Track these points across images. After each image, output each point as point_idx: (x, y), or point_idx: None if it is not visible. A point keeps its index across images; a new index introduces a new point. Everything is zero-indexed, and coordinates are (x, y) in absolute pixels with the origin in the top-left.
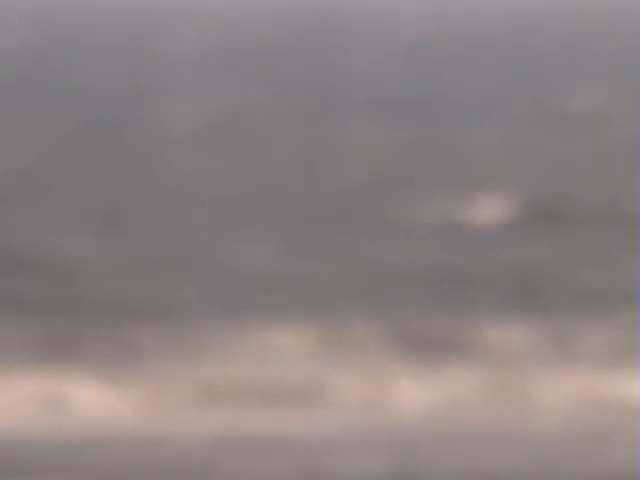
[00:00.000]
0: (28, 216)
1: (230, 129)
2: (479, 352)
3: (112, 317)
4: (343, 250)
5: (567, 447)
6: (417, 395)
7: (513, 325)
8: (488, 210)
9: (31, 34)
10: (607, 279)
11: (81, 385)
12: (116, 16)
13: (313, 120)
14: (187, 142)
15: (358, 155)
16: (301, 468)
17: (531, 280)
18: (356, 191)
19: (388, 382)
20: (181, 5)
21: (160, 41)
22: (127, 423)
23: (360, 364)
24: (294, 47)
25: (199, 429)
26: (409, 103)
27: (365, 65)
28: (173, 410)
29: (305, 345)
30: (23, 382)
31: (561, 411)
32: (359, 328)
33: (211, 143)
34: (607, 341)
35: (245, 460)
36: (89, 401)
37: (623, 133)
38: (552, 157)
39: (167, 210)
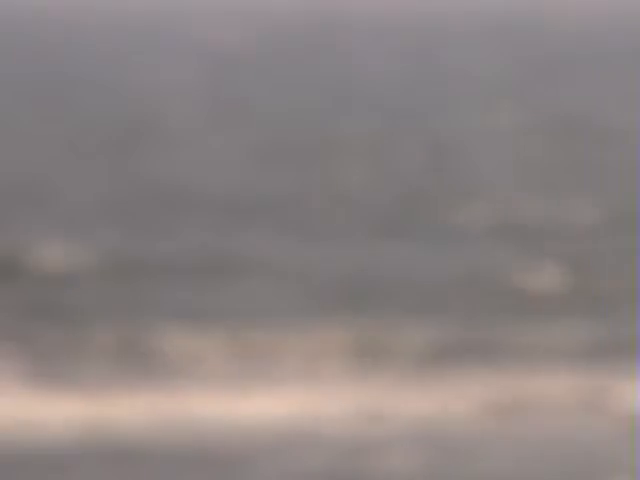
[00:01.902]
0: (32, 219)
1: (233, 127)
2: (512, 356)
3: (120, 320)
4: (356, 253)
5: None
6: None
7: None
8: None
9: (35, 34)
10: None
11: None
12: (117, 18)
13: (314, 120)
14: (190, 141)
15: (359, 154)
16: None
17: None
18: (362, 191)
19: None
20: (183, 7)
21: (163, 42)
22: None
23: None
24: (295, 48)
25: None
26: (409, 102)
27: (365, 65)
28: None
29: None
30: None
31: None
32: (397, 332)
33: (212, 141)
34: None
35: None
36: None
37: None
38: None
39: (175, 209)
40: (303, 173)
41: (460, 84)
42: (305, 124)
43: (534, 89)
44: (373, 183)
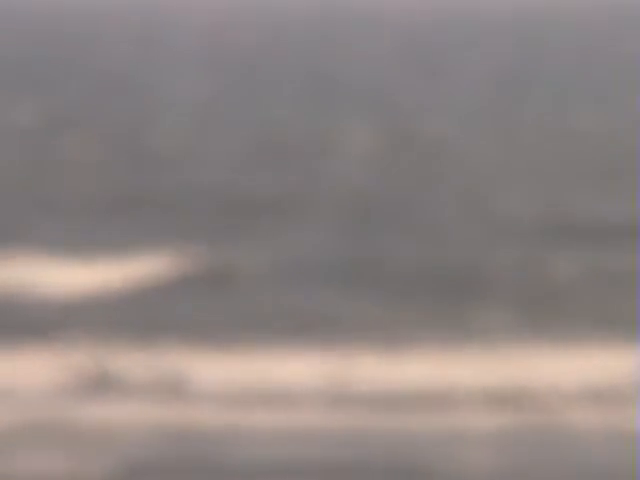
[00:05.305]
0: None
1: (232, 122)
2: None
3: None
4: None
5: None
6: None
7: None
8: None
9: (47, 30)
10: None
11: None
12: (119, 16)
13: (314, 112)
14: (190, 139)
15: (360, 149)
16: None
17: None
18: (362, 185)
19: None
20: (184, 5)
21: (162, 40)
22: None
23: None
24: (294, 41)
25: None
26: (405, 97)
27: (365, 56)
28: None
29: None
30: None
31: None
32: None
33: (211, 135)
34: None
35: None
36: None
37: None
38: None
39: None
40: (303, 171)
41: (459, 82)
42: (305, 122)
43: (533, 89)
44: (373, 180)
